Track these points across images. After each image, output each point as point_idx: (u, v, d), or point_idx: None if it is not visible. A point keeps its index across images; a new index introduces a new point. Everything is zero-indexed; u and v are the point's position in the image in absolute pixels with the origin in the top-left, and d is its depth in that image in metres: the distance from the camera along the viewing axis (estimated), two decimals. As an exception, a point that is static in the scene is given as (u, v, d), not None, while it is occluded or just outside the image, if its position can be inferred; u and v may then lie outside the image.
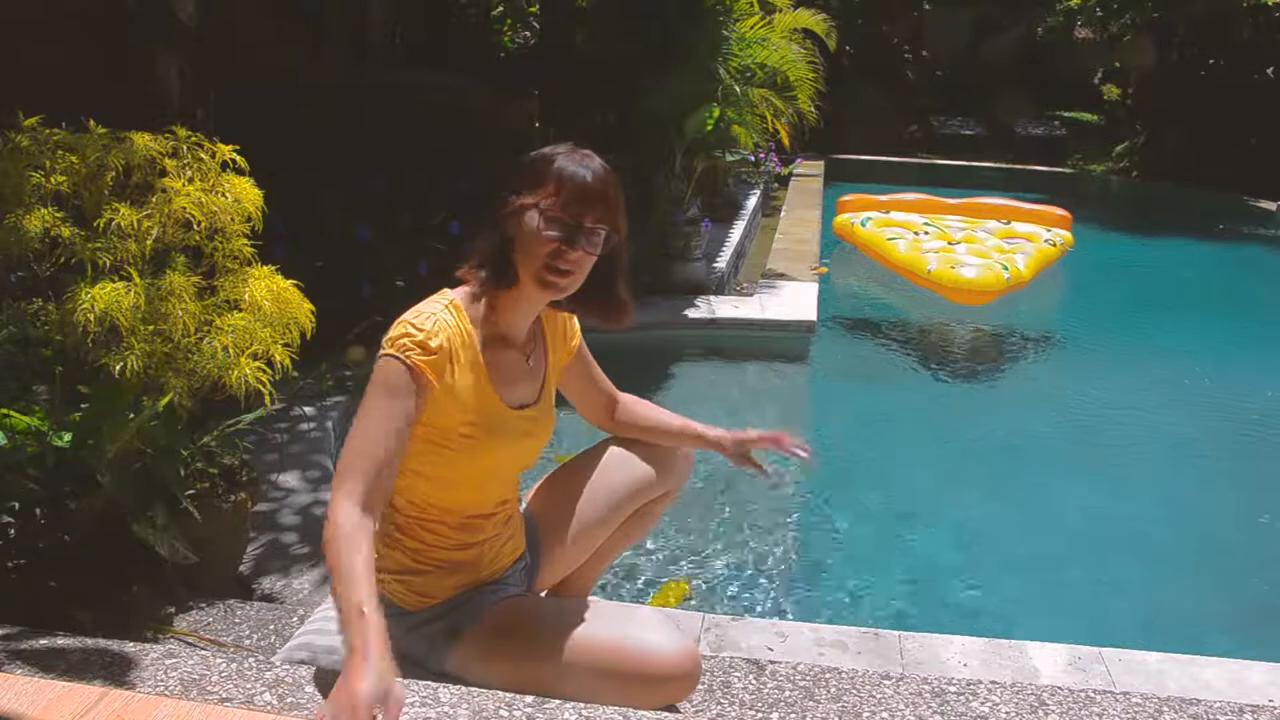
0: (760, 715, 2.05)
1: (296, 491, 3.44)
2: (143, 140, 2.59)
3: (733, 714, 2.05)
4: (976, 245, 7.95)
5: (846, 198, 9.54)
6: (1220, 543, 3.95)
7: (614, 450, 2.15)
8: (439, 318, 1.75)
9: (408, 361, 1.69)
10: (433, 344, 1.71)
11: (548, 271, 1.74)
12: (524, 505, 2.11)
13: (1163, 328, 7.20)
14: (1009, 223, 8.71)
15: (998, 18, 17.96)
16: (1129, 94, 16.13)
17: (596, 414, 2.16)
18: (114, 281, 2.36)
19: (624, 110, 6.64)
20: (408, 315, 1.75)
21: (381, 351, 1.72)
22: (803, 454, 2.11)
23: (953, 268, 7.10)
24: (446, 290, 1.84)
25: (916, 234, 8.22)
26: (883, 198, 9.41)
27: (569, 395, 2.13)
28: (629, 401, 2.18)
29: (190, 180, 2.55)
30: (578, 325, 2.08)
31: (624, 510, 2.12)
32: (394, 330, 1.73)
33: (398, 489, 1.85)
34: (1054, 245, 8.18)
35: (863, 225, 8.41)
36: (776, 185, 11.71)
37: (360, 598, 1.47)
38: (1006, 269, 7.12)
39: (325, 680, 1.67)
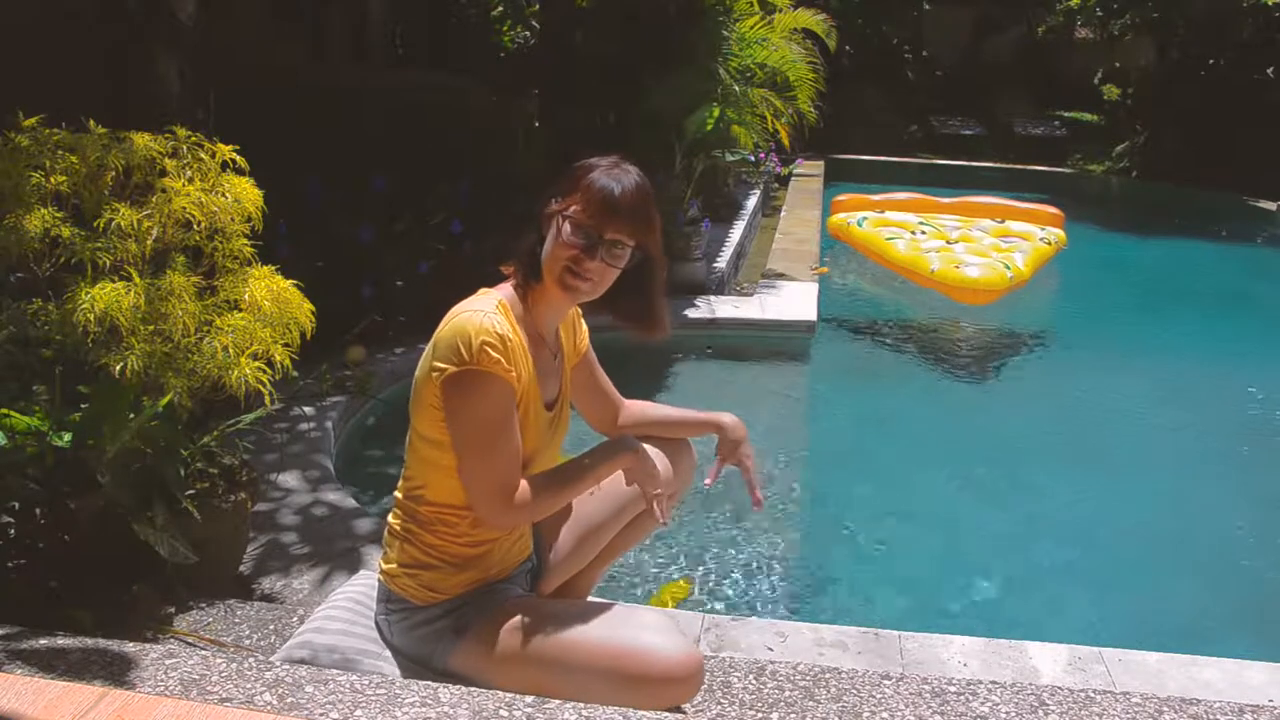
0: (760, 715, 2.05)
1: (296, 491, 3.44)
2: (143, 140, 2.59)
3: (733, 714, 2.05)
4: (973, 244, 7.94)
5: (841, 197, 9.52)
6: (1220, 542, 3.95)
7: None
8: (501, 323, 1.77)
9: (507, 377, 1.75)
10: (506, 344, 1.76)
11: (567, 275, 1.81)
12: None
13: (1162, 328, 7.20)
14: (1003, 221, 8.70)
15: (998, 18, 17.96)
16: (1129, 94, 16.10)
17: (601, 419, 2.18)
18: (114, 281, 2.36)
19: (624, 110, 6.64)
20: (477, 322, 1.75)
21: (465, 364, 1.73)
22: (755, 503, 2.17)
23: (957, 267, 7.08)
24: (489, 290, 1.88)
25: (913, 233, 8.21)
26: (876, 197, 9.39)
27: (576, 401, 2.14)
28: (633, 405, 2.21)
29: (190, 180, 2.55)
30: (585, 328, 2.11)
31: (628, 513, 2.12)
32: (473, 341, 1.73)
33: (426, 483, 1.88)
34: (1049, 243, 8.17)
35: (859, 225, 8.39)
36: (776, 185, 11.70)
37: (599, 452, 1.88)
38: (1009, 268, 7.12)
39: (325, 680, 1.67)
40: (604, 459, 1.89)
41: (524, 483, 1.81)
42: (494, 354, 1.73)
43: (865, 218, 8.53)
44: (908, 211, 8.93)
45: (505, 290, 1.88)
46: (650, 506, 1.92)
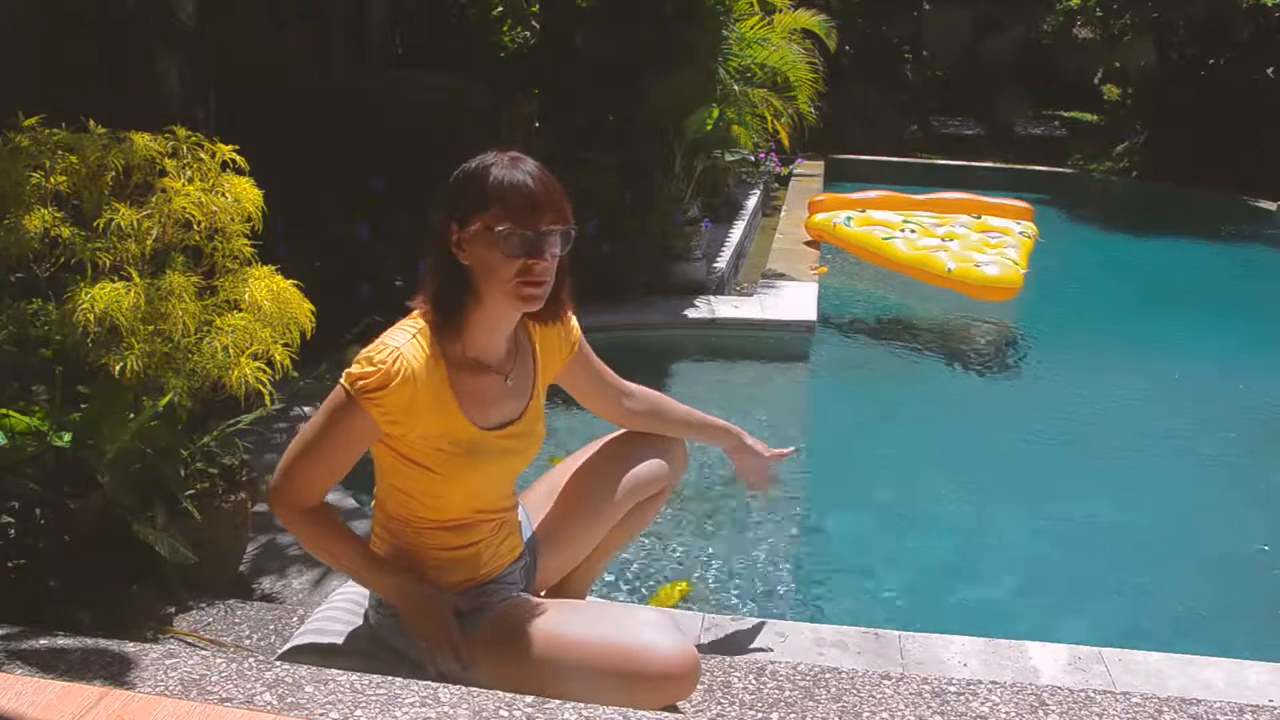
0: (760, 715, 2.05)
1: (296, 491, 3.44)
2: (143, 140, 2.59)
3: (733, 714, 2.05)
4: (961, 240, 7.90)
5: (818, 197, 9.45)
6: (1220, 542, 3.95)
7: (608, 447, 2.16)
8: (402, 350, 1.71)
9: (358, 399, 1.70)
10: (390, 381, 1.69)
11: (523, 287, 1.72)
12: (521, 506, 2.11)
13: (1162, 327, 7.19)
14: (980, 217, 8.68)
15: (998, 18, 17.94)
16: (1129, 94, 16.11)
17: (606, 409, 2.15)
18: (114, 281, 2.36)
19: (624, 110, 6.64)
20: (371, 347, 1.73)
21: (341, 379, 1.73)
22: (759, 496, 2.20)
23: (976, 266, 7.05)
24: (417, 314, 1.80)
25: (901, 232, 8.17)
26: (853, 195, 9.36)
27: (575, 394, 2.13)
28: (641, 393, 2.17)
29: (190, 180, 2.56)
30: (576, 325, 2.05)
31: (621, 507, 2.12)
32: (354, 369, 1.72)
33: (386, 501, 1.87)
34: (1028, 237, 8.17)
35: (845, 224, 8.30)
36: (776, 185, 11.69)
37: (380, 578, 1.84)
38: (1016, 264, 7.14)
39: (325, 680, 1.67)
40: (374, 574, 1.84)
41: (310, 513, 1.78)
42: (360, 380, 1.70)
43: (850, 217, 8.47)
44: (880, 209, 8.86)
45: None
46: (425, 657, 1.83)
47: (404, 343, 1.73)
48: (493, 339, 1.83)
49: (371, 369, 1.70)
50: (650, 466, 2.14)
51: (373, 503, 1.94)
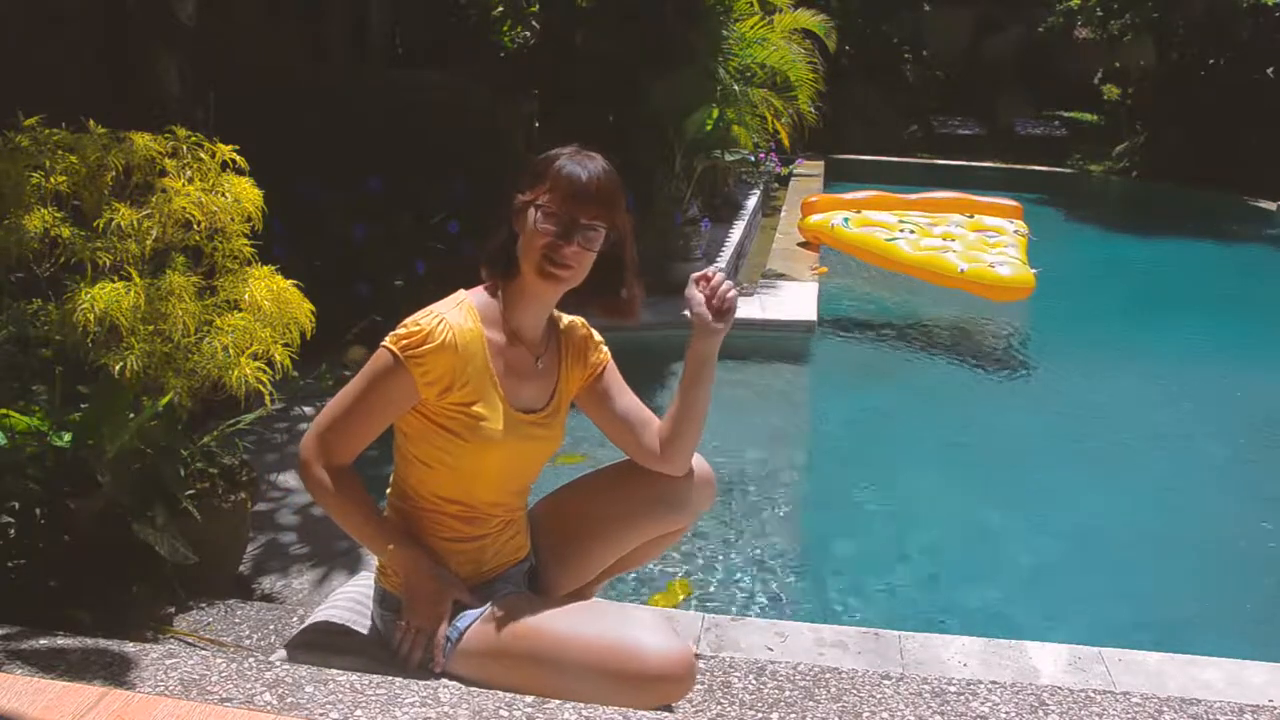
0: (760, 715, 2.05)
1: (296, 491, 3.44)
2: (143, 140, 2.59)
3: (733, 714, 2.05)
4: (959, 239, 7.88)
5: (811, 198, 9.43)
6: (1220, 542, 3.95)
7: (633, 480, 2.07)
8: (446, 315, 1.81)
9: (399, 355, 1.77)
10: (430, 341, 1.77)
11: (546, 263, 1.81)
12: (530, 514, 2.10)
13: (1162, 328, 7.20)
14: (972, 216, 8.65)
15: (998, 18, 17.95)
16: (1129, 94, 16.11)
17: (625, 444, 2.05)
18: (114, 281, 2.36)
19: (624, 110, 6.64)
20: (417, 313, 1.82)
21: (383, 343, 1.81)
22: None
23: (990, 267, 7.03)
24: (462, 290, 1.90)
25: (900, 232, 8.15)
26: (845, 195, 9.33)
27: (596, 422, 2.06)
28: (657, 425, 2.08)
29: (190, 180, 2.56)
30: (606, 353, 2.05)
31: (633, 542, 2.10)
32: (398, 329, 1.80)
33: (403, 477, 1.90)
34: (1023, 235, 8.16)
35: (843, 225, 8.26)
36: (776, 185, 11.69)
37: (390, 545, 1.85)
38: (1024, 263, 7.14)
39: (325, 680, 1.67)
40: (387, 541, 1.86)
41: (337, 472, 1.83)
42: (404, 338, 1.78)
43: (847, 218, 8.44)
44: (871, 209, 8.82)
45: (476, 293, 1.90)
46: (398, 638, 1.87)
47: (447, 310, 1.83)
48: (529, 314, 1.90)
49: (416, 328, 1.79)
50: (669, 508, 2.06)
51: (387, 490, 1.95)
